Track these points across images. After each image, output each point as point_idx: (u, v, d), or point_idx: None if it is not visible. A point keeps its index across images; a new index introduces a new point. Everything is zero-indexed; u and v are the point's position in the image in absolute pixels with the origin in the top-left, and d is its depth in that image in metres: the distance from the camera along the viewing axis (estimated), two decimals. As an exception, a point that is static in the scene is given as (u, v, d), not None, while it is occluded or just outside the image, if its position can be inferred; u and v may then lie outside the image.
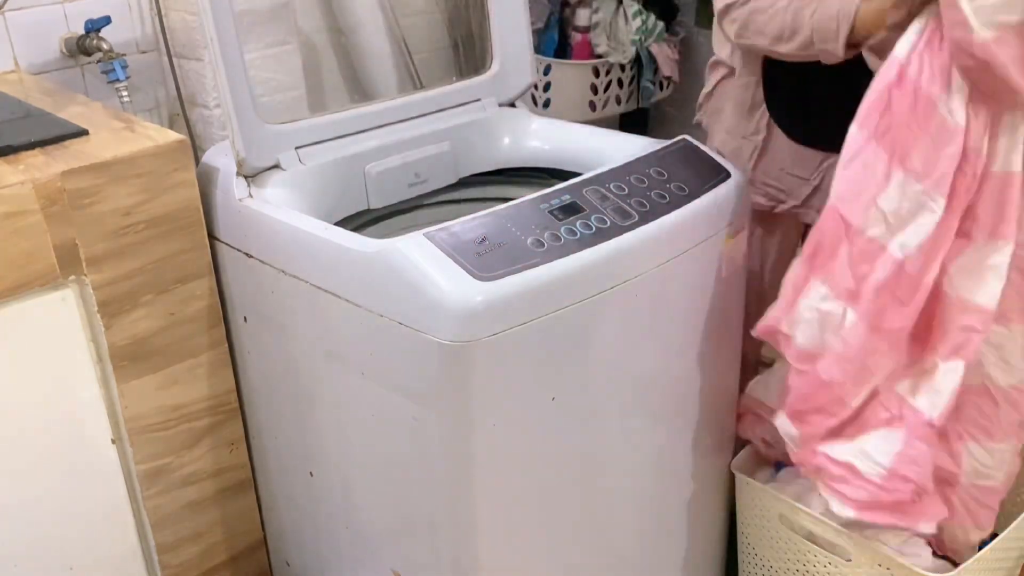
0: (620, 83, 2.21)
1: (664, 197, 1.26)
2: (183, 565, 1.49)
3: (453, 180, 1.57)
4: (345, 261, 1.17)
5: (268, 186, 1.33)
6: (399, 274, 1.09)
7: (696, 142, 1.39)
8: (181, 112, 1.74)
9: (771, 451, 1.54)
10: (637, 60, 2.20)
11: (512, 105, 1.63)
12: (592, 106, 2.20)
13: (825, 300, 1.25)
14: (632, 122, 2.37)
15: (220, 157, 1.37)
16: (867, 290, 1.21)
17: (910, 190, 1.17)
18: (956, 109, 1.13)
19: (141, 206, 1.26)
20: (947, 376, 1.25)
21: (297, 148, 1.39)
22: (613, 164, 1.30)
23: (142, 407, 1.35)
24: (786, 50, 1.38)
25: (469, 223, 1.14)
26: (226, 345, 1.42)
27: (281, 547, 1.60)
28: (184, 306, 1.34)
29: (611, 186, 1.25)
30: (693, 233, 1.26)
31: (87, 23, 1.60)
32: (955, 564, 1.36)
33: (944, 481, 1.35)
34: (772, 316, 1.32)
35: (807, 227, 1.55)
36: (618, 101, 2.24)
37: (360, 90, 1.92)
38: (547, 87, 2.18)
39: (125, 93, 1.66)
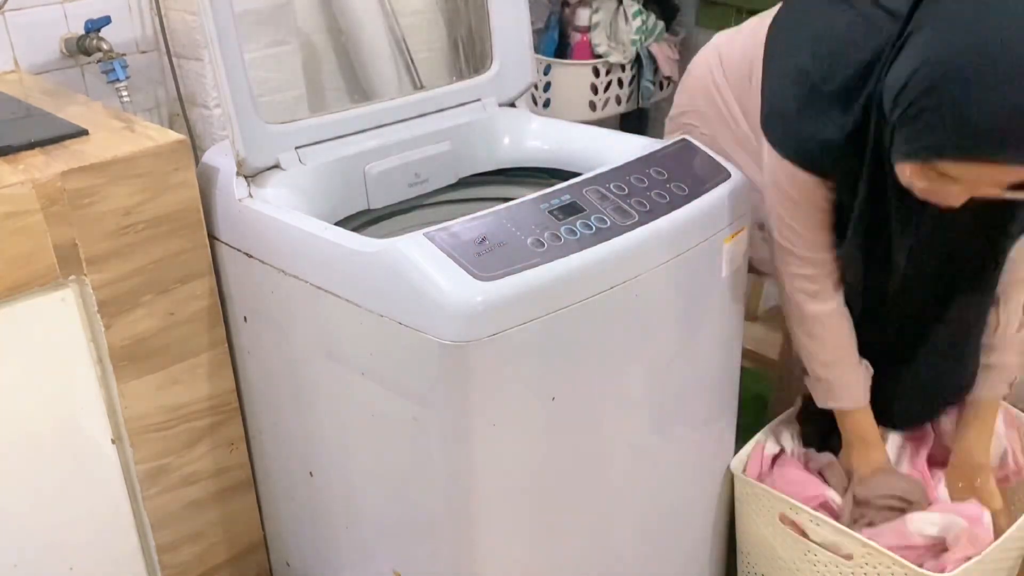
0: (620, 83, 2.21)
1: (664, 197, 1.26)
2: (183, 565, 1.49)
3: (453, 180, 1.56)
4: (345, 261, 1.16)
5: (268, 186, 1.33)
6: (399, 274, 1.09)
7: (696, 142, 1.39)
8: (181, 112, 1.74)
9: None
10: (637, 60, 2.20)
11: (512, 105, 1.63)
12: (592, 106, 2.21)
13: None
14: (632, 122, 2.37)
15: (220, 157, 1.37)
16: None
17: None
18: None
19: (141, 206, 1.26)
20: None
21: (297, 148, 1.39)
22: (613, 164, 1.30)
23: (142, 407, 1.35)
24: (799, 344, 1.45)
25: (469, 223, 1.14)
26: (226, 345, 1.42)
27: (281, 547, 1.60)
28: (184, 306, 1.34)
29: (611, 186, 1.25)
30: (693, 233, 1.26)
31: (87, 23, 1.60)
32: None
33: None
34: None
35: None
36: (618, 101, 2.24)
37: (360, 90, 1.92)
38: (547, 87, 2.18)
39: (125, 93, 1.66)
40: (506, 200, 1.23)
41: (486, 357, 1.08)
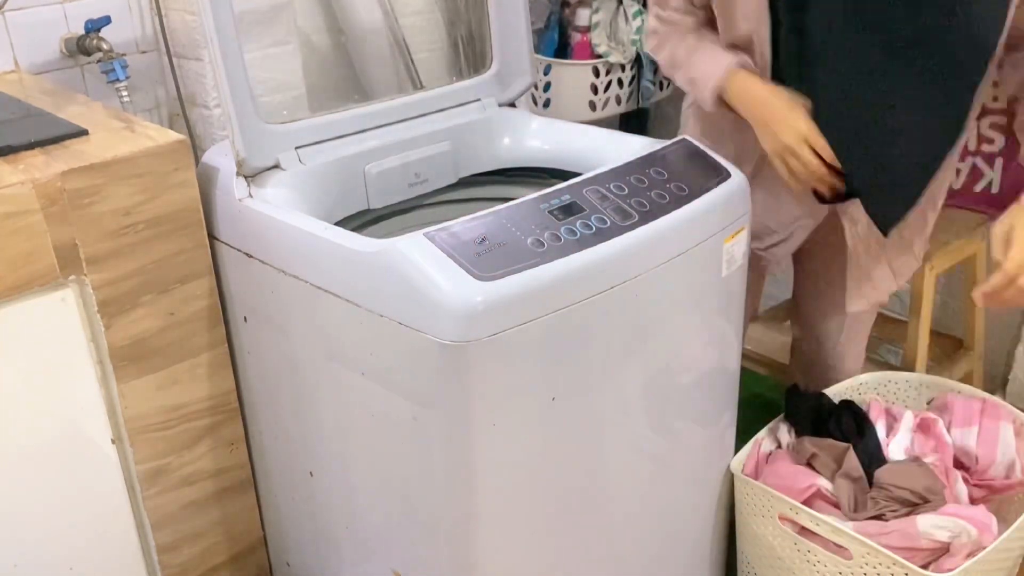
0: (620, 83, 2.21)
1: (664, 197, 1.26)
2: (183, 565, 1.49)
3: (453, 180, 1.57)
4: (345, 261, 1.16)
5: (268, 186, 1.34)
6: (399, 274, 1.09)
7: (696, 142, 1.39)
8: (181, 112, 1.74)
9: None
10: (637, 60, 2.20)
11: (512, 105, 1.63)
12: (592, 106, 2.20)
13: None
14: (632, 122, 2.37)
15: (220, 157, 1.37)
16: None
17: None
18: None
19: (141, 206, 1.26)
20: None
21: (297, 148, 1.39)
22: (613, 164, 1.30)
23: (142, 407, 1.35)
24: (677, 81, 1.46)
25: (469, 223, 1.14)
26: (226, 345, 1.42)
27: (281, 547, 1.60)
28: (184, 306, 1.34)
29: (611, 186, 1.25)
30: (693, 233, 1.26)
31: (87, 23, 1.60)
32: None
33: None
34: None
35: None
36: (618, 101, 2.24)
37: (360, 90, 1.92)
38: (547, 87, 2.18)
39: (125, 93, 1.66)
40: (506, 200, 1.23)
41: (486, 357, 1.08)
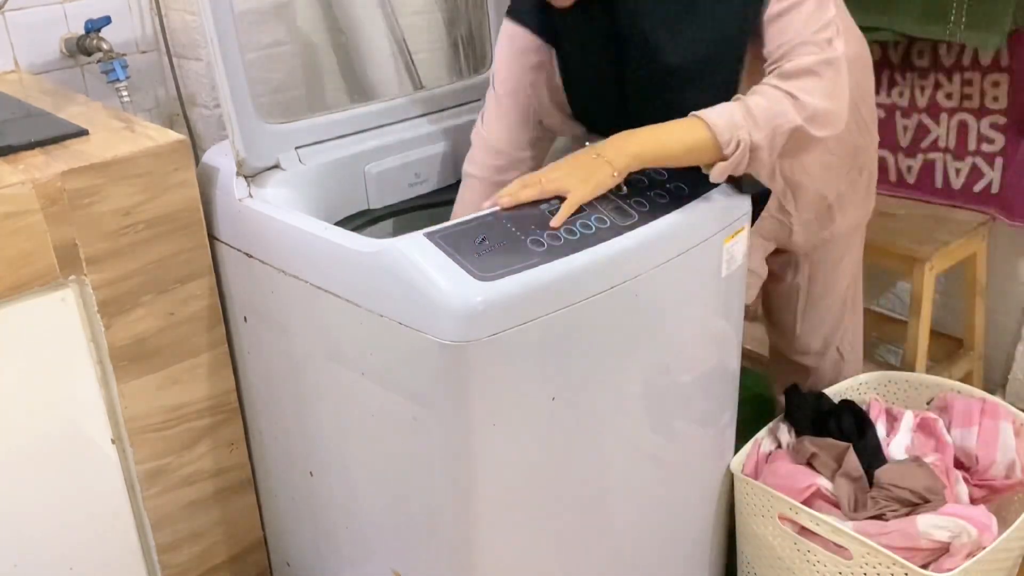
0: (620, 83, 2.21)
1: (664, 197, 1.26)
2: (183, 565, 1.49)
3: (453, 180, 1.56)
4: (345, 261, 1.16)
5: (268, 186, 1.34)
6: (399, 274, 1.09)
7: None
8: (181, 112, 1.74)
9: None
10: (637, 60, 2.19)
11: (512, 105, 1.63)
12: (592, 106, 2.20)
13: None
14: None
15: (220, 157, 1.37)
16: None
17: None
18: None
19: (141, 206, 1.26)
20: None
21: (297, 148, 1.39)
22: (613, 164, 1.30)
23: (142, 407, 1.35)
24: None
25: (469, 223, 1.14)
26: (226, 345, 1.42)
27: (281, 547, 1.60)
28: (184, 306, 1.34)
29: (611, 186, 1.25)
30: (693, 233, 1.26)
31: (87, 23, 1.61)
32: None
33: None
34: None
35: None
36: (618, 101, 2.23)
37: (360, 90, 1.92)
38: (547, 87, 2.17)
39: (125, 93, 1.66)
40: (506, 200, 1.23)
41: (486, 357, 1.08)
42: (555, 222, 1.15)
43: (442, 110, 1.56)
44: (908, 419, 1.56)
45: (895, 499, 1.41)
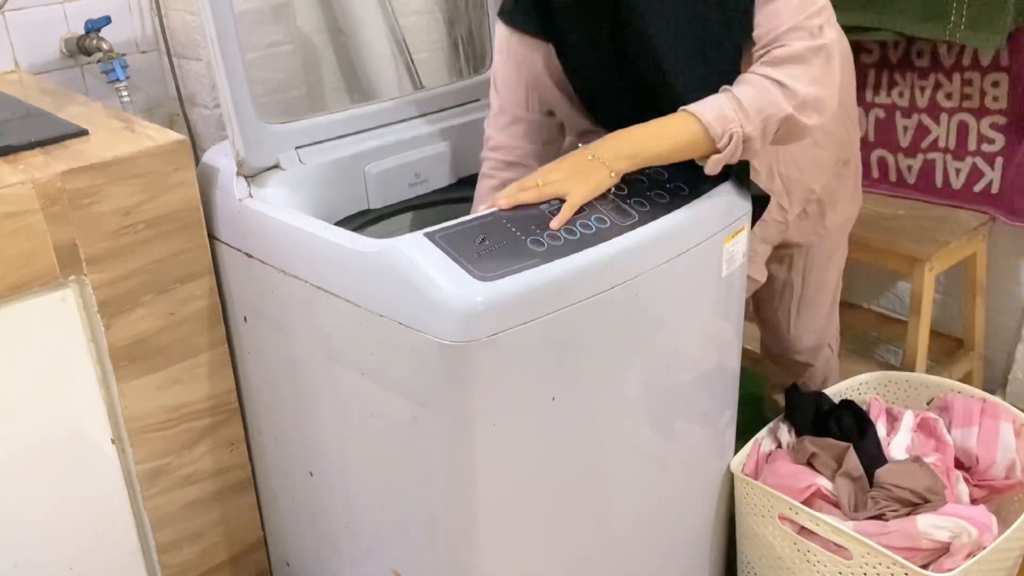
0: (620, 83, 2.21)
1: (664, 197, 1.26)
2: (183, 565, 1.49)
3: (452, 180, 1.57)
4: (345, 261, 1.16)
5: (268, 186, 1.34)
6: (399, 274, 1.09)
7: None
8: (181, 112, 1.74)
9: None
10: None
11: (512, 105, 1.63)
12: (592, 106, 2.20)
13: None
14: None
15: (220, 157, 1.37)
16: None
17: None
18: None
19: (141, 206, 1.26)
20: None
21: (297, 148, 1.39)
22: (613, 164, 1.30)
23: (142, 407, 1.35)
24: None
25: (469, 223, 1.14)
26: (226, 345, 1.42)
27: (281, 547, 1.60)
28: (184, 306, 1.35)
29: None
30: (693, 233, 1.26)
31: (87, 23, 1.61)
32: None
33: None
34: None
35: None
36: (618, 101, 2.23)
37: (360, 90, 1.92)
38: (547, 87, 2.17)
39: (125, 93, 1.66)
40: (506, 200, 1.23)
41: (486, 357, 1.08)
42: (556, 223, 1.15)
43: (442, 110, 1.56)
44: (908, 419, 1.56)
45: (895, 499, 1.41)
